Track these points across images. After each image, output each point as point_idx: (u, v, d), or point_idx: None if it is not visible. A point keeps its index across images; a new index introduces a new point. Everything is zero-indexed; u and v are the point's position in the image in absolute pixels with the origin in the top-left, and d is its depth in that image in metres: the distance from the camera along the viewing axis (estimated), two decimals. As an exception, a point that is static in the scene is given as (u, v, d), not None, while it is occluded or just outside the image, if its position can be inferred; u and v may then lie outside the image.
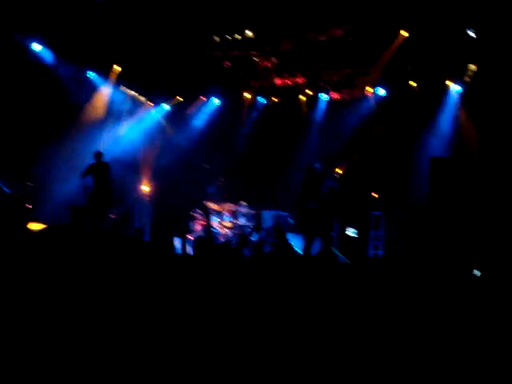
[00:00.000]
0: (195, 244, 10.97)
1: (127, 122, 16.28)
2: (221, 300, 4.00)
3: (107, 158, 13.36)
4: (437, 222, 10.67)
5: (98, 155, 12.77)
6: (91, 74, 15.01)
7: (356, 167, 14.00)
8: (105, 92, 15.42)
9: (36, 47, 13.41)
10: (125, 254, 4.95)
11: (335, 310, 4.17)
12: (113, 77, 15.29)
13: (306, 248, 9.96)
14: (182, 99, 16.81)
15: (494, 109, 11.03)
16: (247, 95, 16.43)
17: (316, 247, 10.27)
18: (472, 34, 10.98)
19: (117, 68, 15.17)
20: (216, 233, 13.90)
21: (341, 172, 11.12)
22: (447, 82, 13.04)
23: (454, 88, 12.96)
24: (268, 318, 3.82)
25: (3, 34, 12.42)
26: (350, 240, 13.82)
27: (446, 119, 12.89)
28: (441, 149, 12.33)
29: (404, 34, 12.43)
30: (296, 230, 12.65)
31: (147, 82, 15.95)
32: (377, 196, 13.91)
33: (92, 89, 15.15)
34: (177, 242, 11.71)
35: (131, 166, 16.07)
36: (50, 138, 13.67)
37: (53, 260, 4.17)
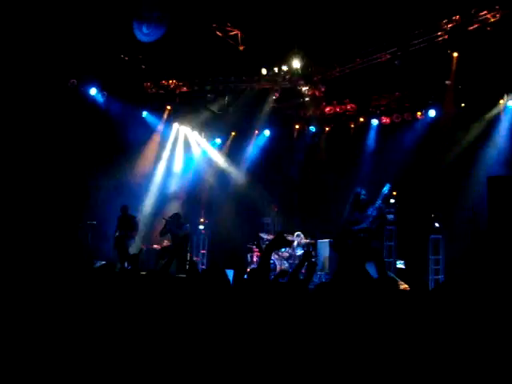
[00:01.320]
0: (249, 276, 10.93)
1: (181, 158, 16.59)
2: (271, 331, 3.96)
3: (162, 193, 13.65)
4: (499, 245, 10.28)
5: (123, 209, 13.15)
6: (146, 114, 15.42)
7: (413, 190, 13.73)
8: (159, 130, 15.81)
9: (92, 91, 13.93)
10: (178, 288, 4.98)
11: (396, 337, 4.06)
12: (166, 115, 15.69)
13: (362, 273, 9.74)
14: (234, 133, 17.03)
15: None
16: (297, 126, 16.50)
17: (371, 273, 10.06)
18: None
19: (169, 108, 15.55)
20: (274, 264, 13.85)
21: (395, 193, 10.81)
22: (501, 100, 12.71)
23: (508, 103, 12.61)
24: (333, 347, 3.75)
25: (60, 79, 12.94)
26: (410, 266, 13.50)
27: (502, 136, 12.53)
28: (499, 167, 11.97)
29: (455, 54, 12.22)
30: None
31: (200, 117, 16.32)
32: (435, 218, 13.55)
33: (147, 128, 15.54)
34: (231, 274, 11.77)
35: (187, 201, 16.36)
36: (107, 177, 14.05)
37: (113, 297, 4.25)
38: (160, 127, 15.89)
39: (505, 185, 10.72)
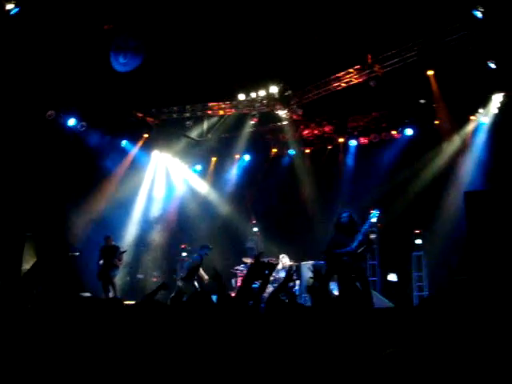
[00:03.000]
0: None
1: (163, 185, 16.58)
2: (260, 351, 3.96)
3: (145, 221, 13.58)
4: (479, 258, 10.39)
5: (106, 239, 13.11)
6: (125, 143, 15.43)
7: (393, 208, 13.84)
8: (137, 158, 15.81)
9: (71, 122, 13.91)
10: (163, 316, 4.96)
11: (376, 354, 4.07)
12: (143, 143, 15.70)
13: (342, 293, 9.72)
14: (215, 159, 17.11)
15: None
16: (275, 150, 16.63)
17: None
18: (493, 66, 10.98)
19: (146, 136, 15.59)
20: (257, 288, 13.79)
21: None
22: (473, 116, 12.97)
23: (482, 120, 12.87)
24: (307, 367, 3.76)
25: (37, 110, 12.93)
26: (393, 284, 13.55)
27: (475, 152, 12.77)
28: (475, 182, 12.15)
29: (430, 73, 12.46)
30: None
31: (179, 144, 16.38)
32: (417, 234, 13.66)
33: (126, 157, 15.53)
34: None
35: (169, 228, 16.31)
36: (87, 208, 13.98)
37: (112, 327, 4.24)
38: (139, 156, 15.86)
39: (481, 199, 10.87)
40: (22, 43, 11.04)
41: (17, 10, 10.30)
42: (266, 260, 14.56)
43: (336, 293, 11.72)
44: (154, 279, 15.64)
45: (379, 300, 11.07)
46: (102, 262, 12.92)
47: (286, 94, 14.17)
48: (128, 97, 13.50)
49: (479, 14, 10.38)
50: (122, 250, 13.33)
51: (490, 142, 12.60)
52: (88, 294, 10.58)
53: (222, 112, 15.22)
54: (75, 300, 5.76)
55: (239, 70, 13.05)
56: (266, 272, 5.63)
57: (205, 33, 12.04)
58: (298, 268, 14.26)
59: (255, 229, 16.60)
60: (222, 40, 12.26)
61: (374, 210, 10.26)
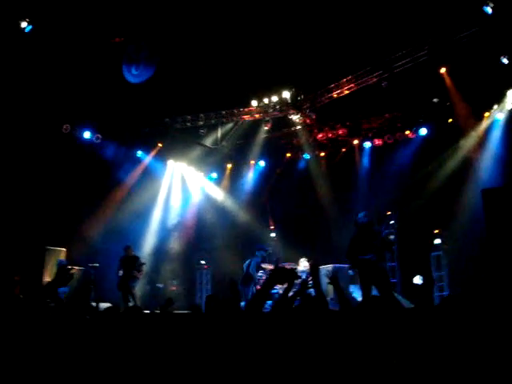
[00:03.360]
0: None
1: (178, 193, 16.65)
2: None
3: (163, 230, 13.61)
4: (500, 256, 10.28)
5: (126, 249, 13.13)
6: (140, 154, 15.53)
7: (411, 209, 13.77)
8: (152, 167, 15.90)
9: (86, 135, 14.04)
10: (183, 326, 4.99)
11: (399, 355, 4.05)
12: (158, 152, 15.78)
13: (365, 297, 9.71)
14: (230, 166, 17.17)
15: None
16: (289, 154, 16.65)
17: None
18: (505, 61, 10.91)
19: (160, 145, 15.68)
20: (277, 293, 13.79)
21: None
22: (487, 113, 12.88)
23: (497, 116, 12.77)
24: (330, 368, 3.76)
25: (53, 124, 13.08)
26: (413, 285, 13.45)
27: (491, 149, 12.66)
28: (493, 179, 12.04)
29: (443, 70, 12.41)
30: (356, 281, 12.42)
31: (194, 153, 16.46)
32: (436, 233, 13.57)
33: (140, 166, 15.64)
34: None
35: (187, 237, 16.38)
36: (105, 218, 14.09)
37: (113, 338, 4.25)
38: (155, 165, 15.96)
39: (499, 196, 10.77)
40: (36, 59, 11.20)
41: (31, 27, 10.50)
42: (286, 265, 14.58)
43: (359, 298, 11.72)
44: (173, 288, 15.69)
45: (400, 301, 10.99)
46: (121, 272, 12.95)
47: (299, 98, 14.20)
48: (142, 107, 13.60)
49: (489, 10, 10.34)
50: (142, 261, 13.35)
51: (505, 138, 12.48)
52: (108, 305, 10.63)
53: (235, 119, 15.26)
54: (90, 311, 5.79)
55: (251, 76, 13.10)
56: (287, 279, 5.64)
57: (216, 41, 12.13)
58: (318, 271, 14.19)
59: (273, 234, 16.63)
60: (234, 47, 12.34)
61: (390, 212, 10.34)
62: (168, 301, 5.88)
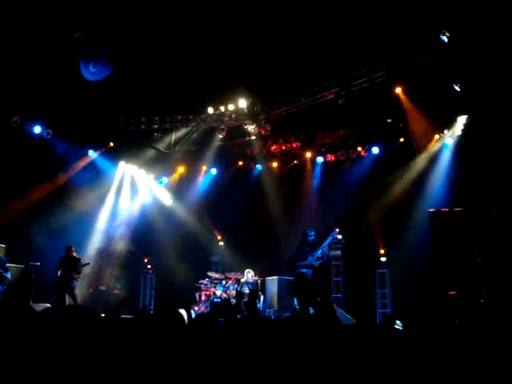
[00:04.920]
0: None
1: (127, 196, 16.38)
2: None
3: (109, 232, 13.35)
4: (443, 276, 10.58)
5: (67, 249, 12.83)
6: (92, 153, 15.20)
7: (358, 226, 13.99)
8: (103, 168, 15.61)
9: (36, 129, 13.64)
10: (130, 330, 4.86)
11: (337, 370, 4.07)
12: (110, 152, 15.50)
13: (302, 309, 9.81)
14: (181, 171, 17.03)
15: (486, 157, 11.18)
16: (241, 163, 16.68)
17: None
18: (457, 88, 11.26)
19: (112, 144, 15.40)
20: (221, 302, 13.74)
21: (338, 230, 11.11)
22: (438, 137, 13.25)
23: (446, 141, 13.15)
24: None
25: (2, 116, 12.69)
26: (357, 300, 13.66)
27: (440, 172, 13.03)
28: (440, 201, 12.36)
29: (398, 91, 12.70)
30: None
31: (146, 156, 16.26)
32: (382, 252, 13.85)
33: (92, 167, 15.31)
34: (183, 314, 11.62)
35: (133, 241, 16.13)
36: (50, 217, 13.72)
37: (57, 340, 4.08)
38: (106, 166, 15.67)
39: (445, 218, 11.09)
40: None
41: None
42: (231, 275, 14.57)
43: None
44: (117, 291, 15.41)
45: (342, 316, 11.12)
46: (60, 272, 12.61)
47: (255, 109, 14.26)
48: (97, 106, 13.35)
49: (445, 39, 10.68)
50: (84, 262, 13.04)
51: (454, 163, 12.85)
52: (48, 305, 10.33)
53: (190, 125, 15.18)
54: (28, 311, 5.55)
55: (208, 83, 13.07)
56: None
57: (176, 46, 12.05)
58: (263, 283, 14.26)
59: (221, 243, 16.58)
60: (193, 54, 12.29)
61: (334, 229, 10.62)
62: (124, 301, 5.71)
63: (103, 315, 5.20)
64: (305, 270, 9.74)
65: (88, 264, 13.20)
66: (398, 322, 5.59)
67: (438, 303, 10.05)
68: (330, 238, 10.25)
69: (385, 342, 5.26)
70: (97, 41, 11.77)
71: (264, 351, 4.23)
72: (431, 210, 11.48)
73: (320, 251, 9.92)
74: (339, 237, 13.96)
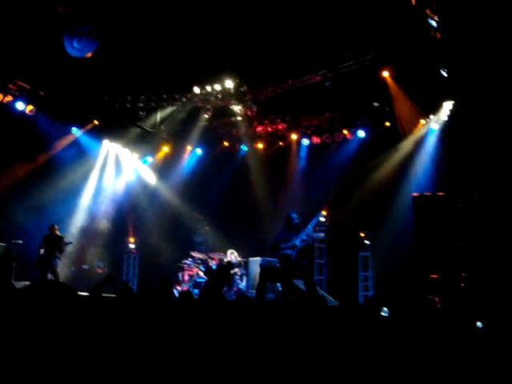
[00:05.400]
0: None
1: (111, 175, 16.25)
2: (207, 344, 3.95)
3: (92, 211, 13.26)
4: (425, 259, 10.69)
5: (51, 228, 12.75)
6: (75, 130, 15.00)
7: (342, 209, 14.05)
8: (87, 146, 15.44)
9: (19, 105, 13.41)
10: (114, 308, 4.87)
11: (322, 353, 4.11)
12: (95, 130, 15.32)
13: (286, 292, 9.88)
14: (166, 150, 16.91)
15: (471, 144, 11.25)
16: (226, 143, 16.61)
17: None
18: (444, 74, 11.26)
19: (96, 122, 15.22)
20: (204, 282, 13.78)
21: (325, 213, 11.20)
22: (424, 122, 13.28)
23: (432, 126, 13.19)
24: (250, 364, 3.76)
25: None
26: (339, 283, 13.76)
27: (425, 157, 13.09)
28: (424, 186, 12.43)
29: (386, 75, 12.68)
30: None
31: (131, 134, 16.10)
32: (364, 235, 13.94)
33: (77, 145, 15.13)
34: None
35: (116, 219, 16.05)
36: (32, 195, 13.58)
37: (38, 317, 4.06)
38: (90, 144, 15.50)
39: (429, 202, 11.17)
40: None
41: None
42: (215, 255, 14.59)
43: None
44: (100, 270, 15.37)
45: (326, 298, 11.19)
46: (43, 250, 12.55)
47: (242, 89, 14.16)
48: (81, 82, 13.16)
49: (434, 23, 10.65)
50: (67, 241, 12.99)
51: (439, 148, 12.92)
52: (27, 283, 10.26)
53: (176, 104, 15.05)
54: (10, 288, 5.51)
55: (195, 62, 12.93)
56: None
57: (164, 24, 11.89)
58: (247, 264, 14.31)
59: (204, 223, 16.56)
60: (181, 32, 12.14)
61: (319, 210, 10.68)
62: (108, 277, 5.68)
63: (86, 294, 5.18)
64: (289, 252, 9.80)
65: (71, 243, 13.15)
66: (384, 308, 5.64)
67: (419, 286, 10.17)
68: (314, 220, 10.32)
69: (369, 323, 5.32)
70: (82, 16, 11.54)
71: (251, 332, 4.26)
72: (415, 194, 11.55)
73: (304, 233, 9.99)
74: (323, 219, 14.05)
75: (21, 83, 13.19)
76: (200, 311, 4.87)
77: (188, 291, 6.18)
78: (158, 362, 3.62)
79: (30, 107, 13.50)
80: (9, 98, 13.10)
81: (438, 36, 10.71)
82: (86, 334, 3.83)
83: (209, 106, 14.84)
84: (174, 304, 4.98)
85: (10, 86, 13.12)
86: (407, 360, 3.98)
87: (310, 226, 10.14)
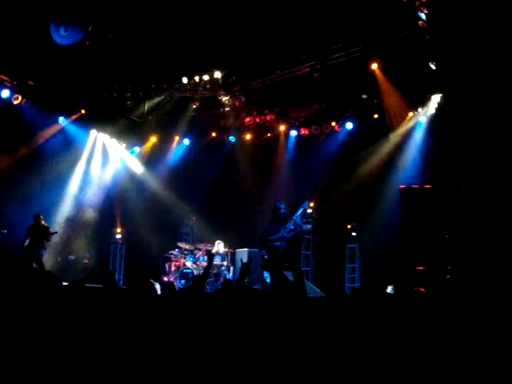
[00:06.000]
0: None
1: (98, 165, 16.14)
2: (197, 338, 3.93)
3: (78, 200, 13.18)
4: (411, 251, 10.74)
5: (36, 217, 12.65)
6: (62, 119, 14.85)
7: (329, 201, 14.09)
8: (74, 136, 15.30)
9: (4, 93, 13.22)
10: (99, 300, 4.82)
11: (310, 343, 4.10)
12: (81, 119, 15.18)
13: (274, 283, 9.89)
14: (154, 140, 16.82)
15: (458, 137, 11.30)
16: (214, 134, 16.56)
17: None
18: (433, 67, 11.28)
19: (84, 111, 15.08)
20: (190, 273, 13.77)
21: (312, 204, 11.25)
22: (412, 114, 13.32)
23: (420, 119, 13.23)
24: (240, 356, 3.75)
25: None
26: (326, 274, 13.80)
27: (412, 149, 13.15)
28: (411, 178, 12.49)
29: (374, 67, 12.69)
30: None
31: (119, 124, 16.00)
32: (351, 227, 13.99)
33: (63, 134, 14.98)
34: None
35: (103, 210, 15.96)
36: (17, 185, 13.45)
37: (20, 306, 4.01)
38: (76, 133, 15.36)
39: (415, 195, 11.21)
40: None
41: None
42: (201, 246, 14.58)
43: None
44: (86, 261, 15.30)
45: (312, 290, 11.24)
46: (27, 241, 12.45)
47: (230, 80, 14.10)
48: (69, 71, 13.02)
49: (423, 16, 10.65)
50: (52, 231, 12.90)
51: (426, 141, 12.98)
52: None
53: (164, 94, 14.96)
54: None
55: (184, 52, 12.86)
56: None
57: (153, 13, 11.80)
58: (233, 255, 14.32)
59: (192, 214, 16.52)
60: (169, 22, 12.06)
61: (306, 200, 10.70)
62: (91, 274, 5.59)
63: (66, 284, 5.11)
64: (278, 244, 9.83)
65: (56, 233, 13.07)
66: (389, 286, 5.66)
67: (405, 278, 10.22)
68: (301, 209, 10.36)
69: (353, 314, 5.32)
70: (68, 3, 11.41)
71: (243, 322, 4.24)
72: (402, 186, 11.59)
73: (292, 222, 10.03)
74: (310, 211, 14.08)
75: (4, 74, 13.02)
76: (183, 302, 4.85)
77: (170, 283, 6.16)
78: (144, 354, 3.60)
79: (17, 96, 13.34)
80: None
81: (427, 28, 10.72)
82: (68, 325, 3.80)
83: (197, 97, 14.73)
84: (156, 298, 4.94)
85: (1, 76, 12.98)
86: (398, 345, 3.99)
87: (297, 215, 10.19)
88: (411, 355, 3.83)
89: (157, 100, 15.36)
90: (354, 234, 13.94)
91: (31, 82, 13.52)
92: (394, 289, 5.71)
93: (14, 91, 13.32)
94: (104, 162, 16.33)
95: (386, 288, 5.78)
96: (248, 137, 16.31)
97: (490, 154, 10.76)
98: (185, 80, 14.03)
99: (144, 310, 4.48)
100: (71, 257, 14.49)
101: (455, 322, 4.84)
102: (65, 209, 15.12)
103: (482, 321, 4.73)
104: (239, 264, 14.02)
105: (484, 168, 10.93)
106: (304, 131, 15.41)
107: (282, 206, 10.28)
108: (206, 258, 14.01)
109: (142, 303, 4.63)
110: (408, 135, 13.34)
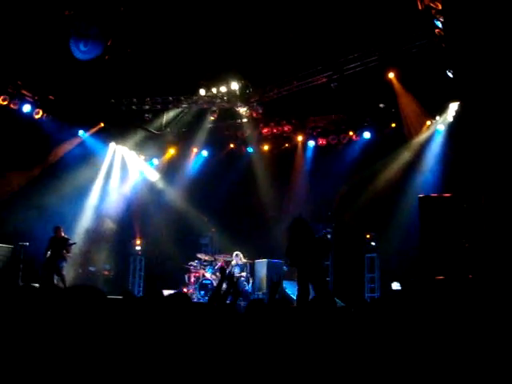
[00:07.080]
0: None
1: (117, 177, 16.28)
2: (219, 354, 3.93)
3: (98, 213, 13.29)
4: (431, 261, 10.65)
5: (56, 230, 12.78)
6: (81, 133, 15.04)
7: (348, 210, 14.06)
8: (93, 149, 15.48)
9: (25, 108, 13.44)
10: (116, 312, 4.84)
11: (334, 355, 4.09)
12: (100, 132, 15.35)
13: (301, 296, 9.81)
14: (172, 152, 16.94)
15: (477, 145, 11.21)
16: (232, 145, 16.63)
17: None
18: (450, 75, 11.24)
19: (103, 124, 15.26)
20: (210, 284, 13.80)
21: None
22: (430, 123, 13.27)
23: (438, 127, 13.17)
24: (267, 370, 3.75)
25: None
26: (346, 284, 13.74)
27: (431, 158, 13.08)
28: (430, 187, 12.41)
29: (391, 76, 12.68)
30: (291, 277, 12.57)
31: (137, 137, 16.14)
32: (370, 237, 13.92)
33: (83, 147, 15.16)
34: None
35: (122, 221, 16.08)
36: (38, 198, 13.61)
37: (44, 318, 4.06)
38: (96, 146, 15.54)
39: (435, 204, 11.13)
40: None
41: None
42: (220, 257, 14.60)
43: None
44: (106, 272, 15.41)
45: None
46: (49, 253, 12.59)
47: (247, 91, 14.18)
48: (87, 86, 13.20)
49: (440, 24, 10.63)
50: (71, 241, 13.03)
51: (444, 149, 12.90)
52: (36, 286, 10.30)
53: (181, 106, 15.09)
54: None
55: (201, 64, 12.97)
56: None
57: (169, 26, 11.92)
58: (253, 266, 14.32)
59: (210, 225, 16.57)
60: (186, 34, 12.17)
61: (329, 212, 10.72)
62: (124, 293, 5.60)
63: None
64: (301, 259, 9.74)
65: (75, 243, 13.18)
66: (395, 283, 5.62)
67: (425, 287, 10.13)
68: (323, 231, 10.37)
69: (373, 325, 5.29)
70: (87, 19, 11.58)
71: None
72: (421, 195, 11.52)
73: (318, 242, 9.95)
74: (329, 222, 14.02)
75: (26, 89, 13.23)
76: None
77: (182, 293, 6.19)
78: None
79: (38, 111, 13.56)
80: (15, 103, 13.16)
81: (443, 36, 10.70)
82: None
83: (214, 108, 14.85)
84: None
85: (22, 91, 13.22)
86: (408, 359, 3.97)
87: (321, 233, 10.17)
88: (433, 366, 3.82)
89: (175, 112, 15.50)
90: (373, 243, 13.87)
91: (51, 97, 13.74)
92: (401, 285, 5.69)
93: (35, 106, 13.56)
94: (123, 174, 16.48)
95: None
96: (266, 148, 16.37)
97: (509, 162, 10.66)
98: (202, 92, 14.14)
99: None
100: (92, 268, 14.60)
101: (475, 331, 4.80)
102: (85, 221, 15.25)
103: (502, 329, 4.69)
104: (259, 275, 14.04)
105: (504, 176, 10.83)
106: (322, 141, 15.43)
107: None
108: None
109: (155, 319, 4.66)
110: (426, 144, 13.27)
